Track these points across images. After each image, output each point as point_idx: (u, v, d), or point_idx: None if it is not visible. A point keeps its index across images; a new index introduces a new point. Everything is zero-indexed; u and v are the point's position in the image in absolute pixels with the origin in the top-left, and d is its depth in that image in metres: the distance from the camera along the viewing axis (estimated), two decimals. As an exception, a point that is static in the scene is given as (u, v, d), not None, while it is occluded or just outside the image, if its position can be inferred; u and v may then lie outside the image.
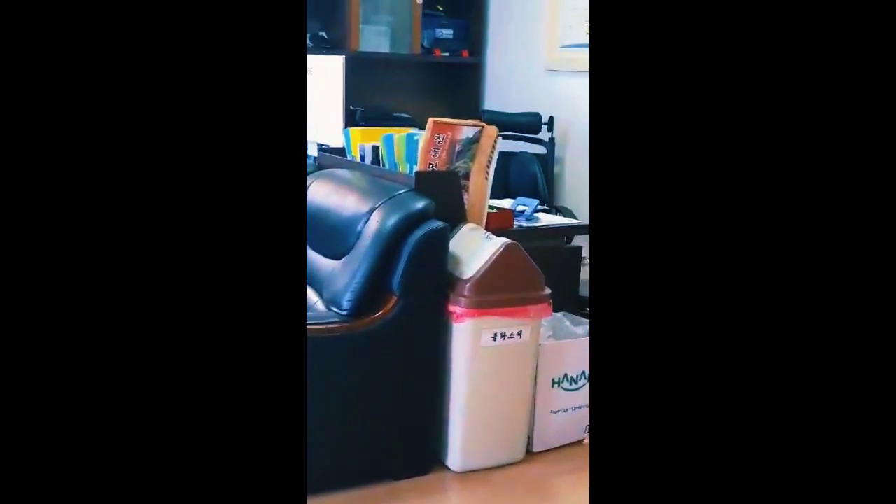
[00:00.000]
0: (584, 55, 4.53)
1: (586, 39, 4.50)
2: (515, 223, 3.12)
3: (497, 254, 2.61)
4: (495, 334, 2.64)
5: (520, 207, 3.26)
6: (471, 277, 2.60)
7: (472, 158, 2.87)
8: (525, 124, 4.60)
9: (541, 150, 4.66)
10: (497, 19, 5.29)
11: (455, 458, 2.70)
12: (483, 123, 2.91)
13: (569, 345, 2.89)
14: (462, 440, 2.68)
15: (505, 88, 5.19)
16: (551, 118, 4.67)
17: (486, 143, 2.88)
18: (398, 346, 2.55)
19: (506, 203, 3.40)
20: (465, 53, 5.23)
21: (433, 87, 5.38)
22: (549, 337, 2.94)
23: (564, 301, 3.18)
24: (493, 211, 3.03)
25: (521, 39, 5.03)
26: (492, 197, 3.38)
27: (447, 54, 5.16)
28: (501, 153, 4.50)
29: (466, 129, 2.85)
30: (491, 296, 2.60)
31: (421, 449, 2.67)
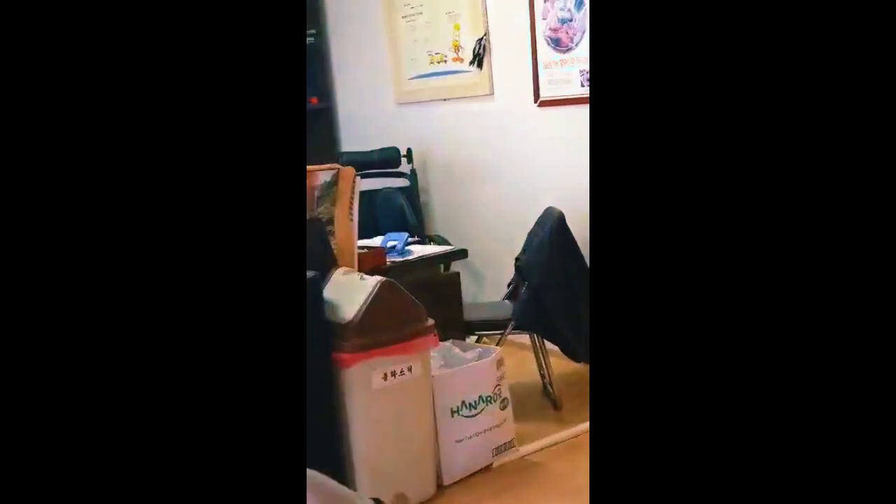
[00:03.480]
0: (432, 84, 4.60)
1: (431, 69, 4.59)
2: (388, 259, 3.09)
3: (373, 293, 2.57)
4: (385, 374, 2.59)
5: (390, 243, 3.24)
6: (351, 321, 2.55)
7: (334, 202, 2.83)
8: (383, 160, 4.61)
9: (403, 182, 4.66)
10: (340, 62, 5.28)
11: (365, 507, 2.62)
12: (338, 166, 2.88)
13: (461, 372, 2.87)
14: (369, 487, 2.60)
15: (359, 128, 5.18)
16: (409, 150, 4.68)
17: (344, 185, 2.85)
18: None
19: (376, 242, 3.37)
20: (314, 100, 5.20)
21: (287, 138, 5.31)
22: (441, 366, 2.92)
23: (450, 329, 3.18)
24: (363, 251, 2.99)
25: (368, 78, 5.04)
26: (362, 237, 3.36)
27: (296, 103, 5.12)
28: (365, 192, 4.49)
29: (322, 175, 2.82)
30: (374, 336, 2.56)
31: (329, 505, 2.59)
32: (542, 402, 3.61)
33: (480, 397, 2.90)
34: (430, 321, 2.71)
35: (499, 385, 2.98)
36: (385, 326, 2.58)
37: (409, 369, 2.65)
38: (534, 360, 3.79)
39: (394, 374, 2.61)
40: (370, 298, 2.56)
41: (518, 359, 4.05)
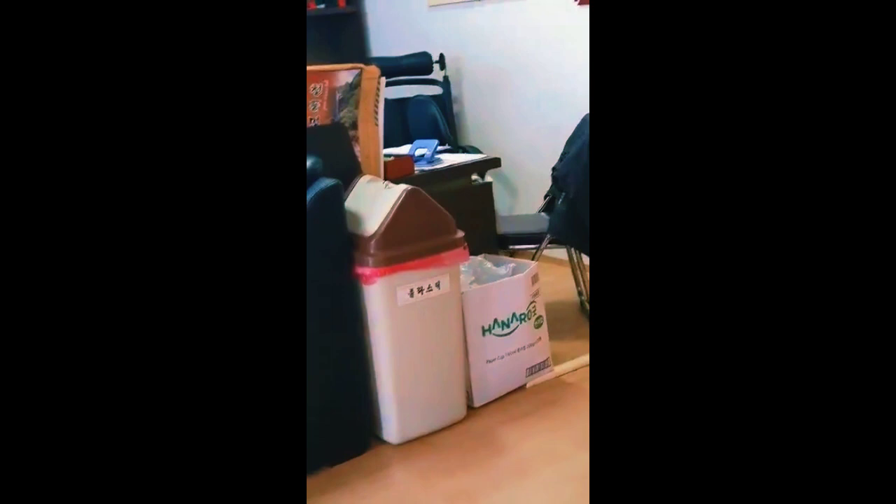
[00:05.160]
0: (464, -17, 4.32)
1: None
2: (416, 168, 2.91)
3: (399, 202, 2.39)
4: (412, 290, 2.43)
5: (419, 151, 3.04)
6: (374, 233, 2.37)
7: (357, 105, 2.63)
8: (415, 66, 4.39)
9: (436, 90, 4.45)
10: (369, -39, 5.01)
11: (391, 430, 2.50)
12: (361, 65, 2.66)
13: (494, 288, 2.69)
14: (396, 409, 2.47)
15: (389, 33, 4.93)
16: (441, 56, 4.45)
17: (368, 86, 2.64)
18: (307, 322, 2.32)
19: (404, 150, 3.18)
20: (342, 3, 4.94)
21: (313, 42, 5.07)
22: (473, 282, 2.75)
23: (483, 242, 3.02)
24: (389, 159, 2.80)
25: (398, -22, 4.77)
26: (393, 146, 3.17)
27: (323, 6, 4.87)
28: (396, 100, 4.31)
29: (344, 75, 2.61)
30: (399, 249, 2.38)
31: (353, 427, 2.46)
32: (580, 319, 3.46)
33: (514, 315, 2.73)
34: (460, 233, 2.53)
35: (533, 302, 2.81)
36: (411, 239, 2.41)
37: (437, 285, 2.48)
38: (571, 276, 3.62)
39: (420, 290, 2.44)
40: (395, 208, 2.38)
41: (555, 275, 3.88)
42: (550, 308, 3.32)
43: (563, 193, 3.16)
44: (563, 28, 3.91)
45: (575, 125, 3.44)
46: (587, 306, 3.50)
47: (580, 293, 3.62)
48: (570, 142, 3.36)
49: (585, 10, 3.75)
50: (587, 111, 3.40)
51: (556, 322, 3.32)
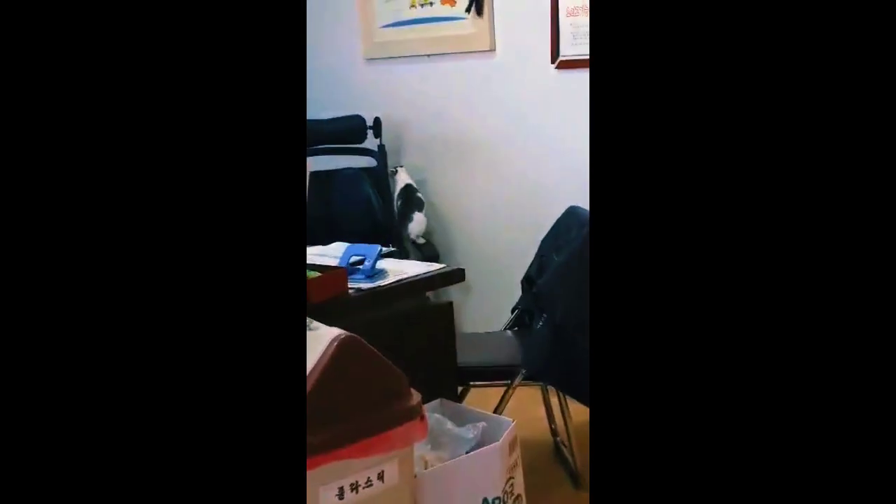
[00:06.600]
0: (412, 34, 3.88)
1: (412, 14, 3.84)
2: (351, 284, 2.15)
3: (325, 360, 1.62)
4: (341, 489, 1.66)
5: (354, 258, 2.27)
6: (287, 406, 1.57)
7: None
8: (342, 132, 3.81)
9: (369, 161, 3.85)
10: (293, 4, 4.36)
11: None
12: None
13: (459, 466, 1.96)
14: None
15: (315, 89, 4.24)
16: (377, 120, 3.84)
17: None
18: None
19: (333, 252, 2.40)
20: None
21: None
22: (429, 451, 2.00)
23: (440, 377, 2.34)
24: (314, 276, 2.04)
25: (329, 25, 4.16)
26: (313, 242, 2.52)
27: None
28: (319, 173, 3.67)
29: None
30: (325, 431, 1.61)
31: None
32: (555, 469, 2.78)
33: (485, 501, 1.97)
34: (416, 397, 1.76)
35: (511, 478, 2.04)
36: (343, 413, 1.65)
37: (381, 476, 1.71)
38: (538, 398, 2.94)
39: (355, 487, 1.68)
40: (320, 369, 1.62)
41: (518, 398, 3.11)
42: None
43: (545, 315, 2.46)
44: (536, 95, 3.46)
45: (548, 216, 2.90)
46: (564, 450, 2.79)
47: (554, 432, 2.90)
48: (550, 243, 2.79)
49: (565, 74, 3.28)
50: (569, 201, 2.85)
51: (527, 475, 2.56)
